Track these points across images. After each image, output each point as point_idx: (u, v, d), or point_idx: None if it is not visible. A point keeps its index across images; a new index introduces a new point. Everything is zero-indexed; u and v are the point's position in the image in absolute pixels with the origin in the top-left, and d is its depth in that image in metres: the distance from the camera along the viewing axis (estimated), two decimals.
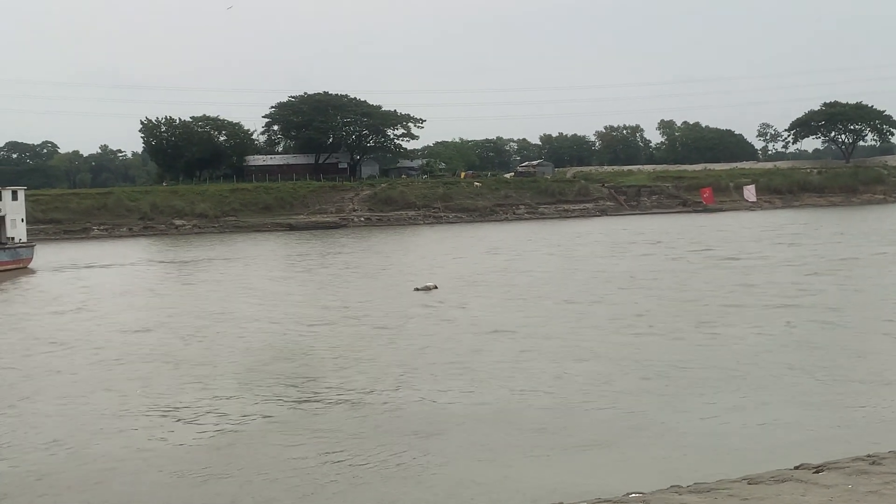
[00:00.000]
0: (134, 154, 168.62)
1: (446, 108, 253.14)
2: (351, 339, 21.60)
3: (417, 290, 30.11)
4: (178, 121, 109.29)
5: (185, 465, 12.18)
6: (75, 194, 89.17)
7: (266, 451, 12.73)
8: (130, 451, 12.95)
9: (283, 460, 12.29)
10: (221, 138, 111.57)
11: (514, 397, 15.29)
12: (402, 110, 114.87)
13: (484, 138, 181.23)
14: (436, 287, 30.40)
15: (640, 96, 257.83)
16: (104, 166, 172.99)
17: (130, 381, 17.54)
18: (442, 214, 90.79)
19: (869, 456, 10.73)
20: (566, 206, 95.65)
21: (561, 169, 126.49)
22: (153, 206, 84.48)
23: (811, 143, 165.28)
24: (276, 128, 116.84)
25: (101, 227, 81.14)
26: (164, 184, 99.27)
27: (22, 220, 49.64)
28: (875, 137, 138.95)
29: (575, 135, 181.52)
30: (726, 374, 16.44)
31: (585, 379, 16.39)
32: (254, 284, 35.58)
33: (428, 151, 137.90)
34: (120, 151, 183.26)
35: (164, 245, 65.66)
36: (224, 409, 15.17)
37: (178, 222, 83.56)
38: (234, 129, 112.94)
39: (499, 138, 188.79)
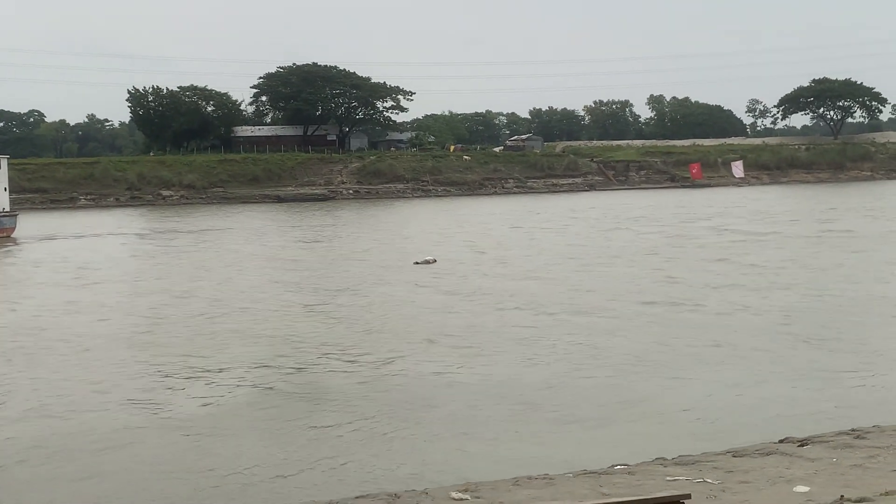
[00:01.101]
0: (121, 124, 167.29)
1: (436, 81, 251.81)
2: (357, 312, 21.63)
3: (417, 263, 30.32)
4: (165, 90, 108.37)
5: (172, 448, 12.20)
6: (62, 164, 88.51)
7: (255, 423, 12.75)
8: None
9: (271, 432, 12.32)
10: (209, 109, 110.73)
11: (506, 370, 15.34)
12: (391, 83, 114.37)
13: (473, 112, 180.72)
14: (435, 261, 30.61)
15: (630, 71, 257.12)
16: (91, 136, 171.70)
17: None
18: (431, 188, 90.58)
19: (853, 430, 10.84)
20: (555, 181, 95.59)
21: (550, 143, 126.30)
22: (140, 177, 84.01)
23: (800, 120, 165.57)
24: (264, 99, 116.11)
25: (88, 197, 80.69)
26: (151, 154, 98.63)
27: (5, 190, 49.16)
28: (863, 114, 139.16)
29: (565, 109, 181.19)
30: (712, 349, 16.54)
31: (576, 353, 16.45)
32: (265, 253, 35.51)
33: (417, 124, 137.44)
34: (107, 121, 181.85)
35: (152, 216, 65.46)
36: (218, 378, 15.19)
37: (165, 193, 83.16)
38: (222, 100, 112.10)
39: (488, 112, 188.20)
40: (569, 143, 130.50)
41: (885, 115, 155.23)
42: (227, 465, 10.95)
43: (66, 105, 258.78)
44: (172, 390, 14.63)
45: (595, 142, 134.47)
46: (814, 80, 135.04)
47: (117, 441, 11.97)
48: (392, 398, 13.79)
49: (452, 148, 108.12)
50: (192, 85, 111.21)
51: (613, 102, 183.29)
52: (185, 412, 13.34)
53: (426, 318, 20.35)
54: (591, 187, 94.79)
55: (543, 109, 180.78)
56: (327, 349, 17.30)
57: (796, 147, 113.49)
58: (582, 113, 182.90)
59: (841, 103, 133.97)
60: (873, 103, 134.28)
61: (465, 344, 17.40)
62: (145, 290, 26.45)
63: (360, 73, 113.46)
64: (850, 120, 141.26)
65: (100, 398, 14.18)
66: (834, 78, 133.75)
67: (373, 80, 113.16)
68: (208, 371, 15.80)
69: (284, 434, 12.19)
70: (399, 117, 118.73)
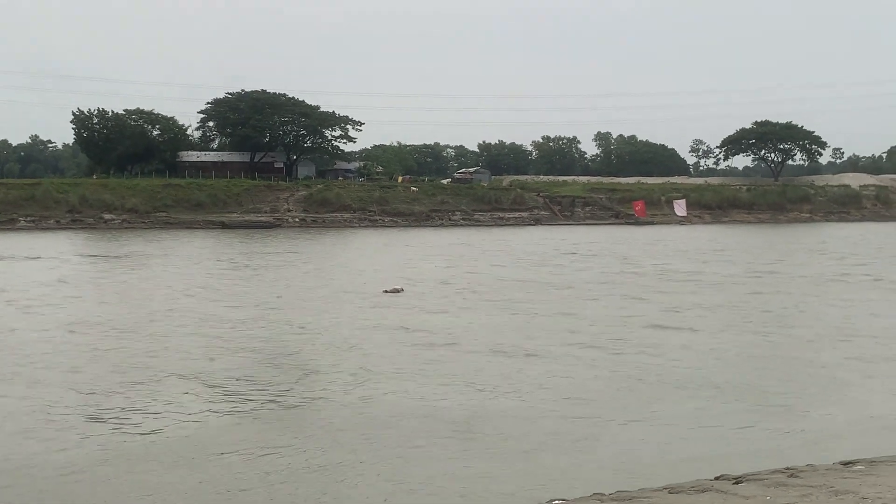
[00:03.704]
0: (65, 145, 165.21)
1: (385, 112, 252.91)
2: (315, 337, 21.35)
3: (386, 291, 30.37)
4: (111, 113, 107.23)
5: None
6: (2, 184, 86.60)
7: (182, 455, 12.47)
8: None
9: (195, 463, 12.06)
10: (155, 133, 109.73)
11: (447, 399, 15.23)
12: (340, 112, 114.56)
13: (422, 143, 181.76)
14: (402, 290, 30.72)
15: (577, 108, 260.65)
16: (33, 157, 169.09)
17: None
18: (377, 218, 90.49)
19: (787, 469, 10.93)
20: (501, 214, 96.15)
21: (498, 177, 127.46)
22: (82, 199, 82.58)
23: (742, 161, 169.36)
24: (211, 124, 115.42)
25: (28, 219, 79.09)
26: (94, 177, 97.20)
27: None
28: (804, 157, 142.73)
29: (513, 143, 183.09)
30: (650, 383, 16.62)
31: (508, 387, 16.42)
32: (211, 282, 34.98)
33: (366, 154, 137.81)
34: (50, 142, 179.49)
35: (92, 240, 64.27)
36: (175, 408, 14.86)
37: (107, 216, 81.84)
38: (169, 124, 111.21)
39: (437, 144, 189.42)
40: (516, 177, 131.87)
41: (824, 159, 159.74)
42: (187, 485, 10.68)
43: (8, 125, 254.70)
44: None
45: (542, 177, 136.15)
46: (756, 123, 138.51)
47: None
48: (329, 425, 13.59)
49: (400, 179, 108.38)
50: (138, 108, 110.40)
51: (561, 138, 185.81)
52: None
53: (377, 350, 20.18)
54: (537, 221, 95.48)
55: (492, 143, 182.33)
56: (275, 380, 17.03)
57: (738, 187, 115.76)
58: (530, 148, 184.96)
59: (782, 146, 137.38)
60: (813, 147, 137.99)
61: (413, 369, 17.27)
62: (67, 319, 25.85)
63: (309, 102, 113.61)
64: (790, 162, 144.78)
65: None
66: (776, 121, 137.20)
67: (322, 109, 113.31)
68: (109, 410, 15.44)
69: (210, 468, 11.93)
70: (348, 147, 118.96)
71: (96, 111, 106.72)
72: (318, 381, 16.73)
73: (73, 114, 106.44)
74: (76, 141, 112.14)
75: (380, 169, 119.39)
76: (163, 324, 23.67)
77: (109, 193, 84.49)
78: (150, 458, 12.12)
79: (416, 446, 12.69)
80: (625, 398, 15.62)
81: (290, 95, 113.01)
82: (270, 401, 15.25)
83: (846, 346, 20.63)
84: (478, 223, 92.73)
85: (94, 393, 15.82)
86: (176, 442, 12.92)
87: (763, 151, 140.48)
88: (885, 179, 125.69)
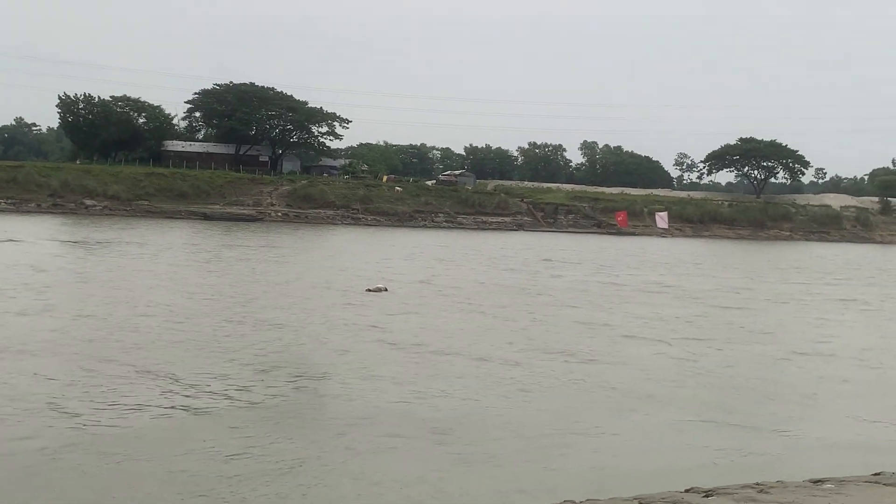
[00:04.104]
0: (49, 129, 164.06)
1: (373, 111, 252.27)
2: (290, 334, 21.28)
3: (369, 290, 30.19)
4: (97, 99, 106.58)
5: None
6: None
7: (151, 451, 12.41)
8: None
9: (164, 460, 12.00)
10: (141, 120, 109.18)
11: (423, 401, 15.23)
12: (328, 108, 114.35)
13: (408, 144, 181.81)
14: (386, 289, 30.53)
15: (564, 115, 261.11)
16: (17, 139, 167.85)
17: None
18: (360, 216, 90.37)
19: (757, 484, 11.00)
20: (484, 218, 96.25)
21: (482, 181, 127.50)
22: (64, 184, 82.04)
23: (725, 177, 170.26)
24: (197, 115, 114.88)
25: (9, 201, 78.52)
26: (77, 162, 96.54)
27: None
28: (786, 176, 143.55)
29: (499, 148, 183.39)
30: (623, 394, 16.68)
31: (486, 392, 16.43)
32: (200, 277, 34.80)
33: (351, 152, 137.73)
34: (35, 125, 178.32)
35: (72, 225, 63.86)
36: (127, 399, 14.77)
37: (88, 202, 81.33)
38: (155, 113, 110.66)
39: (423, 145, 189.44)
40: (501, 181, 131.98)
41: (806, 178, 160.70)
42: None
43: None
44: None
45: (526, 182, 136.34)
46: (741, 139, 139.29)
47: None
48: (303, 423, 13.57)
49: (385, 178, 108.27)
50: (124, 95, 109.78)
51: (547, 145, 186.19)
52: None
53: (346, 345, 20.14)
54: (520, 227, 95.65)
55: (479, 147, 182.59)
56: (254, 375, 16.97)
57: (720, 203, 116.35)
58: (515, 153, 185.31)
59: (765, 163, 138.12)
60: (796, 166, 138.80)
61: (391, 372, 17.25)
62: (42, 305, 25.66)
63: (297, 97, 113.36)
64: (772, 180, 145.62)
65: None
66: (760, 138, 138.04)
67: (310, 105, 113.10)
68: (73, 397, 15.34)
69: (172, 466, 11.88)
70: (334, 144, 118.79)
71: (83, 96, 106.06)
72: (292, 380, 16.67)
73: (60, 98, 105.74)
74: (61, 125, 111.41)
75: (365, 167, 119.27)
76: (135, 316, 23.51)
77: (92, 179, 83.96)
78: (118, 451, 12.05)
79: (389, 447, 12.69)
80: (597, 408, 15.67)
81: (279, 90, 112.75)
82: (242, 399, 15.17)
83: (819, 365, 20.79)
84: (460, 226, 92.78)
85: (56, 381, 15.71)
86: (144, 437, 12.83)
87: (746, 168, 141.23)
88: (866, 201, 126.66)
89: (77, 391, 14.95)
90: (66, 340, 19.26)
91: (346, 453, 12.32)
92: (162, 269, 35.75)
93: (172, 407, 14.28)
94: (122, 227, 62.73)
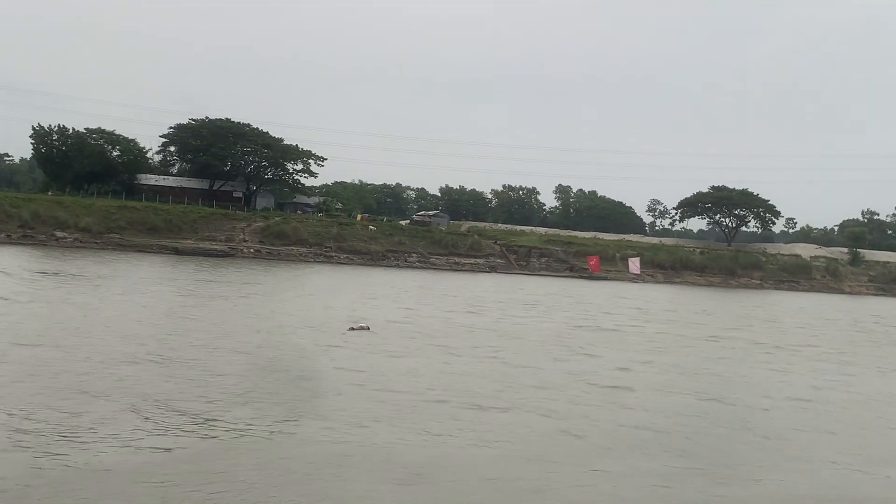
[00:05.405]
0: (22, 160, 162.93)
1: (348, 150, 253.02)
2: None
3: (352, 329, 29.95)
4: (71, 130, 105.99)
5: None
6: None
7: (119, 482, 12.16)
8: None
9: (131, 488, 11.76)
10: (115, 153, 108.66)
11: (399, 443, 15.06)
12: (303, 146, 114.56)
13: (383, 183, 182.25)
14: (368, 328, 30.29)
15: (539, 159, 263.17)
16: None
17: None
18: (333, 254, 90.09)
19: None
20: (457, 259, 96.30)
21: (456, 222, 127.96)
22: (35, 215, 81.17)
23: (697, 224, 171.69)
24: (172, 149, 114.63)
25: None
26: (49, 193, 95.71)
27: None
28: (757, 224, 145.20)
29: (473, 190, 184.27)
30: (599, 438, 16.61)
31: (467, 431, 16.31)
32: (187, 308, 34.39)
33: (326, 190, 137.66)
34: (7, 155, 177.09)
35: (36, 257, 63.12)
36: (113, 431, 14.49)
37: (59, 234, 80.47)
38: (129, 146, 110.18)
39: (398, 185, 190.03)
40: (474, 223, 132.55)
41: (777, 227, 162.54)
42: None
43: None
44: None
45: (500, 225, 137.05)
46: (713, 187, 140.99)
47: None
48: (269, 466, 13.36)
49: (359, 217, 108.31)
50: (99, 127, 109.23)
51: (521, 188, 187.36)
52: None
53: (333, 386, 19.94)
54: (493, 269, 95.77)
55: (453, 188, 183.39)
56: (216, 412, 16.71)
57: (691, 250, 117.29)
58: (489, 195, 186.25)
59: (737, 212, 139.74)
60: (767, 215, 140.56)
61: (359, 413, 17.06)
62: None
63: (273, 134, 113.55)
64: (744, 228, 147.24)
65: None
66: (732, 187, 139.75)
67: (285, 142, 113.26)
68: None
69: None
70: (308, 181, 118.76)
71: (56, 127, 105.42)
72: (266, 418, 16.45)
73: (33, 128, 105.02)
74: (34, 156, 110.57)
75: (339, 205, 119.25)
76: (102, 347, 23.17)
77: (63, 211, 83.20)
78: (75, 485, 11.79)
79: (362, 490, 12.51)
80: (573, 453, 15.58)
81: (255, 126, 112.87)
82: (212, 436, 14.93)
83: (793, 414, 20.83)
84: (433, 266, 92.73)
85: (20, 413, 15.41)
86: (103, 470, 12.56)
87: (718, 216, 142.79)
88: (836, 252, 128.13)
89: (36, 421, 14.65)
90: (30, 370, 18.92)
91: (315, 497, 12.12)
92: (135, 303, 35.33)
93: (136, 440, 14.00)
94: (91, 260, 62.03)
